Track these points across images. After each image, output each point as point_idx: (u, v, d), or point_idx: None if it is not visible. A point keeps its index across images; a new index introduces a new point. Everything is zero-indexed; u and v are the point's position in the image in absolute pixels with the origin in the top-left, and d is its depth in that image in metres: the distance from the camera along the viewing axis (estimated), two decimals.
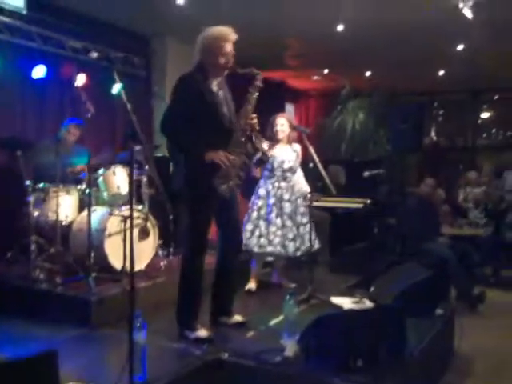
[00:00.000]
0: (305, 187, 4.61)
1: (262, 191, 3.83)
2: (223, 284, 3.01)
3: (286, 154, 3.89)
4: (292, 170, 3.91)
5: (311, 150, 3.70)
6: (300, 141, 4.01)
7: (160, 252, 4.22)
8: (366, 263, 4.52)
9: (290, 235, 3.79)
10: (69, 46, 5.21)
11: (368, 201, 5.18)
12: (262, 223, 3.77)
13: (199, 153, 2.66)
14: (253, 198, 3.87)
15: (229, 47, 2.75)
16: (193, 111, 2.66)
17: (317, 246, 3.90)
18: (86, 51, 5.26)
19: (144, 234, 3.91)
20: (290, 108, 9.80)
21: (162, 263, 4.07)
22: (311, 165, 3.77)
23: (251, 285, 3.88)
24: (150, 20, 5.72)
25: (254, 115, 2.80)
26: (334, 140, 8.19)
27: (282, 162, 3.85)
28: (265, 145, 3.62)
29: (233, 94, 2.90)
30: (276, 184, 3.85)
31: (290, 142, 3.94)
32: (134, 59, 5.91)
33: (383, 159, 6.98)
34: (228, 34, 2.74)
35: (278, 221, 3.79)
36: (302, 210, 3.90)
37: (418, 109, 6.43)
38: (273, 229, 3.76)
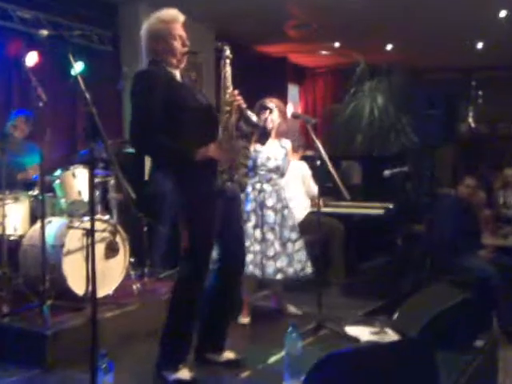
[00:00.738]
0: (313, 189, 4.62)
1: None
2: (217, 314, 3.00)
3: (273, 150, 3.87)
4: (279, 171, 3.89)
5: (318, 143, 3.69)
6: (304, 132, 4.01)
7: (132, 273, 4.20)
8: (388, 284, 4.52)
9: (270, 252, 3.74)
10: (17, 17, 5.19)
11: (390, 205, 5.18)
12: None
13: (188, 155, 2.69)
14: None
15: (180, 29, 2.89)
16: (164, 108, 2.71)
17: (309, 270, 3.87)
18: (38, 23, 5.25)
19: (112, 250, 3.89)
20: (293, 90, 9.84)
21: (134, 286, 4.06)
22: (318, 162, 3.76)
23: (243, 318, 3.86)
24: None
25: (236, 91, 2.85)
26: (347, 130, 8.18)
27: (268, 159, 3.83)
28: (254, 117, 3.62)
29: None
30: (257, 186, 3.82)
31: (278, 135, 3.92)
32: (98, 32, 5.90)
33: (408, 153, 6.98)
34: (175, 15, 2.90)
35: (257, 233, 3.75)
36: (290, 222, 3.88)
37: (450, 90, 6.44)
38: (248, 242, 3.67)
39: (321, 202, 4.01)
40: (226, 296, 2.99)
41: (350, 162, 6.14)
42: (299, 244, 3.88)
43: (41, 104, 3.49)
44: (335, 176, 3.80)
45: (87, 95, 2.23)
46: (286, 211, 3.87)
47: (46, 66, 4.86)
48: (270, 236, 3.76)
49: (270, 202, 3.80)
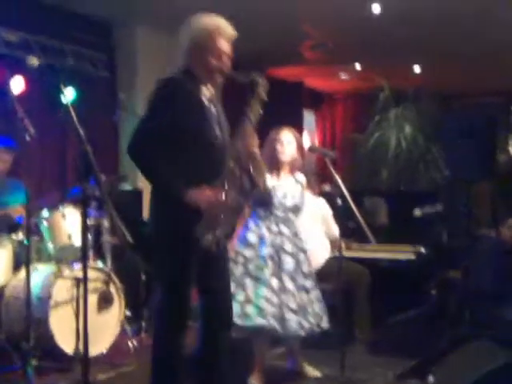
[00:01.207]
0: (334, 231, 4.62)
1: (252, 237, 3.76)
2: (208, 378, 2.94)
3: (289, 186, 3.88)
4: (296, 210, 3.89)
5: (338, 179, 3.70)
6: (322, 165, 4.02)
7: (127, 327, 4.18)
8: (421, 340, 4.46)
9: (292, 304, 3.68)
10: (2, 40, 5.29)
11: (422, 249, 5.15)
12: (249, 283, 3.67)
13: (178, 190, 2.68)
14: (237, 245, 3.78)
15: (225, 45, 2.81)
16: (178, 128, 2.69)
17: (325, 324, 3.81)
18: (25, 46, 5.33)
19: (105, 302, 3.90)
20: (309, 116, 9.93)
21: (130, 344, 4.04)
22: (339, 200, 3.77)
23: (255, 381, 3.81)
24: (113, 2, 5.82)
25: (256, 139, 2.83)
26: (371, 162, 8.20)
27: (284, 197, 3.83)
28: (267, 179, 3.61)
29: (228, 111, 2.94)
30: (274, 228, 3.79)
31: (293, 170, 3.94)
32: (92, 55, 6.01)
33: (441, 189, 6.97)
34: (225, 27, 2.82)
35: (275, 282, 3.70)
36: (305, 268, 3.84)
37: (487, 116, 6.45)
38: (266, 292, 3.64)
39: (342, 245, 4.00)
40: (214, 356, 2.92)
41: (374, 198, 6.12)
42: (315, 294, 3.84)
43: (28, 137, 3.52)
44: (358, 215, 3.79)
45: (81, 131, 2.24)
46: (301, 255, 3.84)
47: (34, 94, 4.94)
48: (289, 285, 3.72)
49: (288, 247, 3.78)
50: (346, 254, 4.48)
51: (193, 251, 2.73)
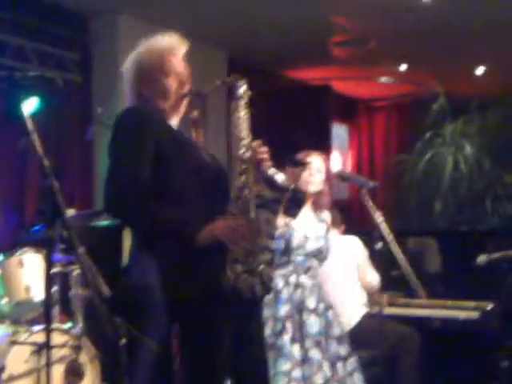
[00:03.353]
0: (371, 279, 4.62)
1: None
2: None
3: (311, 225, 3.93)
4: (321, 255, 3.95)
5: (378, 216, 3.73)
6: (356, 197, 4.05)
7: None
8: None
9: (319, 379, 3.69)
10: None
11: (489, 306, 5.13)
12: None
13: (188, 235, 2.69)
14: None
15: (178, 63, 2.96)
16: (155, 162, 2.74)
17: None
18: None
19: (75, 375, 3.92)
20: (340, 131, 9.93)
21: None
22: (379, 244, 3.79)
23: None
24: None
25: (257, 142, 2.86)
26: (420, 193, 8.20)
27: (305, 239, 3.88)
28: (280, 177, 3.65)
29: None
30: (292, 279, 3.83)
31: (318, 206, 4.00)
32: (60, 55, 6.10)
33: None
34: (175, 44, 2.97)
35: (296, 350, 3.72)
36: (337, 331, 3.89)
37: None
38: (287, 365, 3.66)
39: (384, 299, 4.01)
40: None
41: (424, 240, 6.12)
42: (352, 363, 3.86)
43: None
44: (403, 262, 3.80)
45: (45, 161, 2.24)
46: (330, 314, 3.88)
47: None
48: (315, 354, 3.73)
49: (311, 303, 3.82)
50: (388, 311, 4.48)
51: (219, 312, 2.72)
